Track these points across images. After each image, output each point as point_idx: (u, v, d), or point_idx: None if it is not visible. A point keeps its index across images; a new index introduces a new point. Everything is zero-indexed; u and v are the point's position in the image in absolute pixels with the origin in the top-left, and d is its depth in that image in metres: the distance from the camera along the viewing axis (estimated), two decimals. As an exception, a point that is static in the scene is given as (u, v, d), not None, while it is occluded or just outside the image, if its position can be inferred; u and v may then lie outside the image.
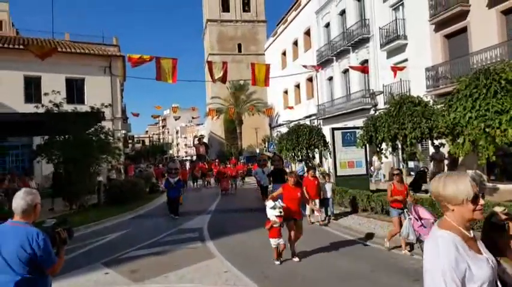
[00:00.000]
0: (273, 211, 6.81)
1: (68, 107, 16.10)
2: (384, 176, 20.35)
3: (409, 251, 7.44)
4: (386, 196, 8.16)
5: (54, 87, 16.80)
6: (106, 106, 16.79)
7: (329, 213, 11.00)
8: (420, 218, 6.75)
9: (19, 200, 2.91)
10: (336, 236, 9.28)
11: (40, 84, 22.43)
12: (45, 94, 16.00)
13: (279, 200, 7.00)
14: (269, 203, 6.92)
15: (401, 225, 7.30)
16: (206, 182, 26.78)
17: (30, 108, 17.02)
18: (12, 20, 32.91)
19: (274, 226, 6.85)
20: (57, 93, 15.76)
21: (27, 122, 16.03)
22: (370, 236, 8.90)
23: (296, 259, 7.18)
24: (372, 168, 19.87)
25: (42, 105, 15.24)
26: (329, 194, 11.03)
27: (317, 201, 10.66)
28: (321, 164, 22.66)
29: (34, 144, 18.53)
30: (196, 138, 50.90)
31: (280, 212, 6.75)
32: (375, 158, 18.97)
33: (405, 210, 7.39)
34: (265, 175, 15.60)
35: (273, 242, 6.97)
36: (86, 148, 14.71)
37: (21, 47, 20.67)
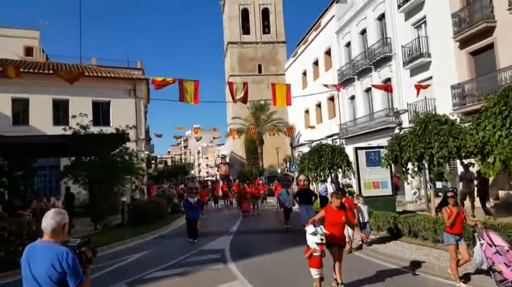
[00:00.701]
0: (313, 238, 5.99)
1: (94, 129, 16.50)
2: (420, 198, 18.89)
3: (464, 282, 6.58)
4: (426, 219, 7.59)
5: (82, 110, 17.31)
6: (130, 128, 17.15)
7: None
8: (494, 244, 6.09)
9: (49, 220, 2.96)
10: (369, 263, 8.70)
11: (68, 107, 23.18)
12: (73, 117, 16.50)
13: (321, 226, 6.24)
14: (309, 229, 6.09)
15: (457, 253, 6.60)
16: (229, 202, 26.65)
17: (58, 130, 17.53)
18: (42, 47, 34.38)
19: (315, 254, 6.03)
20: (84, 116, 16.22)
21: (55, 144, 16.49)
22: (415, 264, 8.06)
23: None
24: (412, 190, 19.21)
25: (70, 128, 15.69)
26: (366, 218, 10.37)
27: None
28: (351, 184, 21.55)
29: (61, 165, 18.98)
30: (219, 158, 51.21)
31: (322, 239, 5.93)
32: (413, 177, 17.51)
33: (475, 234, 6.60)
34: (290, 196, 15.09)
35: (314, 272, 6.07)
36: (111, 169, 14.96)
37: (50, 72, 21.49)
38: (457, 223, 6.73)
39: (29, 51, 31.69)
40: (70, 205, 15.97)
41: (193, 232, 12.59)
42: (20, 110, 22.93)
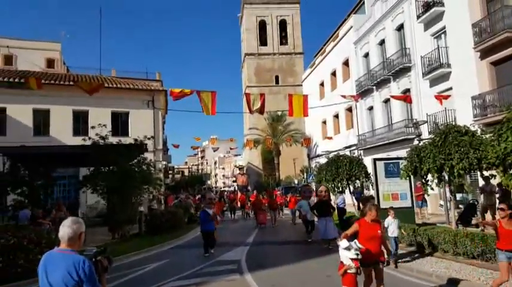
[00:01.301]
0: (347, 253, 5.50)
1: (113, 140, 16.74)
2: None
3: None
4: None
5: (101, 121, 17.61)
6: (148, 138, 17.34)
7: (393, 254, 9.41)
8: None
9: (66, 228, 2.99)
10: (395, 278, 8.18)
11: (88, 118, 23.62)
12: (92, 127, 16.78)
13: (355, 241, 5.77)
14: (343, 243, 5.62)
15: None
16: (245, 214, 26.52)
17: (78, 141, 17.86)
18: (63, 58, 35.33)
19: (349, 271, 5.51)
20: (103, 127, 16.49)
21: (74, 154, 16.79)
22: (452, 282, 7.54)
23: None
24: (441, 201, 18.72)
25: (89, 138, 15.97)
26: (396, 233, 9.75)
27: None
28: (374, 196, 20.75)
29: (80, 175, 19.30)
30: (236, 168, 51.20)
31: (357, 254, 5.44)
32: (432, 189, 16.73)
33: None
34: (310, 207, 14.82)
35: None
36: (129, 179, 15.11)
37: (71, 83, 21.96)
38: (506, 238, 6.16)
39: (50, 63, 32.62)
40: (73, 215, 16.08)
41: (209, 244, 12.06)
42: (41, 121, 23.47)
